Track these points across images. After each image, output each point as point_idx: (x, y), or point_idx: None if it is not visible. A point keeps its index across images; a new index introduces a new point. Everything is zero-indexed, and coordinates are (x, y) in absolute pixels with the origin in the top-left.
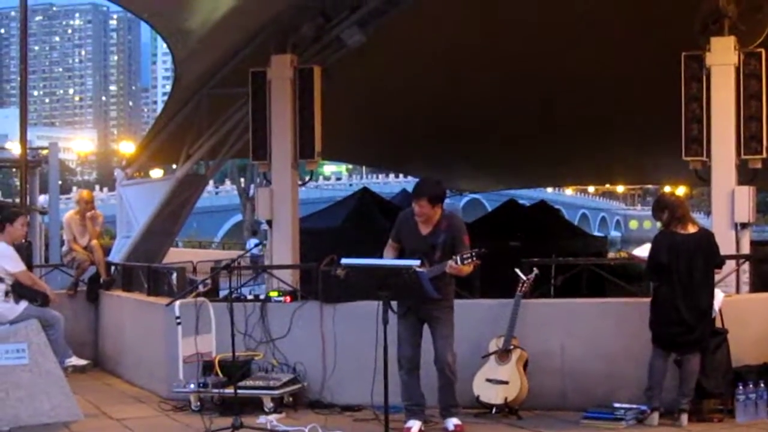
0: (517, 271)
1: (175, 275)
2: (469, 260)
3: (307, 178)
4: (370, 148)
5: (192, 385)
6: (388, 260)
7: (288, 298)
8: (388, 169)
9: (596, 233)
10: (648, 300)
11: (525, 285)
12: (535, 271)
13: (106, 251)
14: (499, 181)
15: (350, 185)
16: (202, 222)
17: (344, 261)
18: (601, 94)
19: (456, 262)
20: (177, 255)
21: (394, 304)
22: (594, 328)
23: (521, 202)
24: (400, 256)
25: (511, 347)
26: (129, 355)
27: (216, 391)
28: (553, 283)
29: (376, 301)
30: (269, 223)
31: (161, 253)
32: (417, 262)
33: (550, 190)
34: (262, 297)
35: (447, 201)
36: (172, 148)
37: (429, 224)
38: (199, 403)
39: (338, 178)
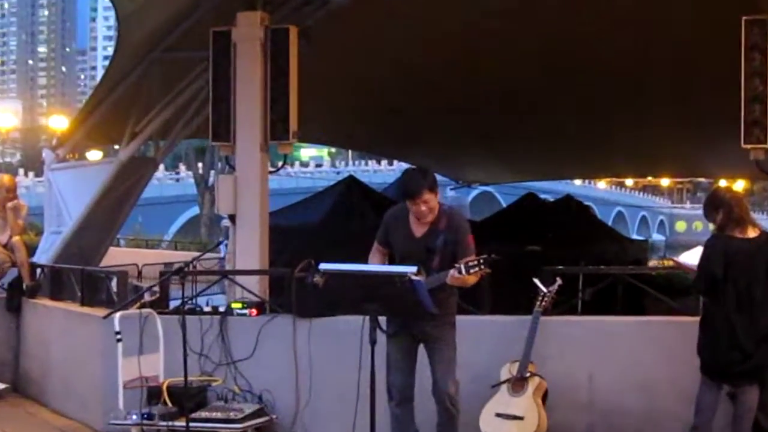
0: (536, 281)
1: (115, 281)
2: (477, 269)
3: (279, 164)
4: (359, 129)
5: (134, 417)
6: (377, 266)
7: (254, 311)
8: (380, 154)
9: (635, 236)
10: (697, 319)
11: (546, 299)
12: (559, 281)
13: (31, 250)
14: (517, 170)
15: (335, 173)
16: (150, 216)
17: (323, 266)
18: (644, 69)
19: (460, 271)
20: (119, 256)
21: (382, 320)
22: (630, 352)
23: (543, 196)
24: (389, 263)
25: (528, 375)
26: (57, 378)
27: (164, 424)
28: (581, 296)
29: (362, 317)
30: (232, 218)
31: (99, 254)
32: (413, 269)
33: (578, 182)
34: (222, 309)
35: (452, 195)
36: (115, 125)
37: (424, 223)
38: None
39: (318, 165)
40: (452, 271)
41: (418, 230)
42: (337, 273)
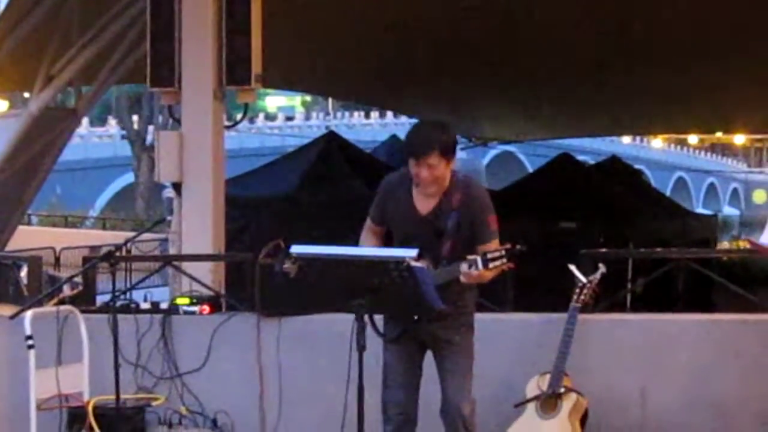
0: (573, 269)
1: (24, 270)
2: (498, 263)
3: (239, 117)
4: (341, 71)
5: None
6: (365, 250)
7: (205, 308)
8: (369, 103)
9: (700, 210)
10: None
11: (585, 292)
12: (602, 269)
13: None
14: (547, 124)
15: (311, 128)
16: (71, 185)
17: (295, 250)
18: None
19: (475, 266)
20: (30, 237)
21: (378, 319)
22: (693, 361)
23: (580, 158)
24: (385, 246)
25: (562, 390)
26: None
27: None
28: (631, 288)
29: (348, 315)
30: (176, 187)
31: (5, 234)
32: (413, 253)
33: (627, 140)
34: (164, 306)
35: (463, 157)
36: (22, 67)
37: (433, 197)
38: None
39: (289, 118)
40: (464, 266)
41: (424, 206)
42: (313, 258)
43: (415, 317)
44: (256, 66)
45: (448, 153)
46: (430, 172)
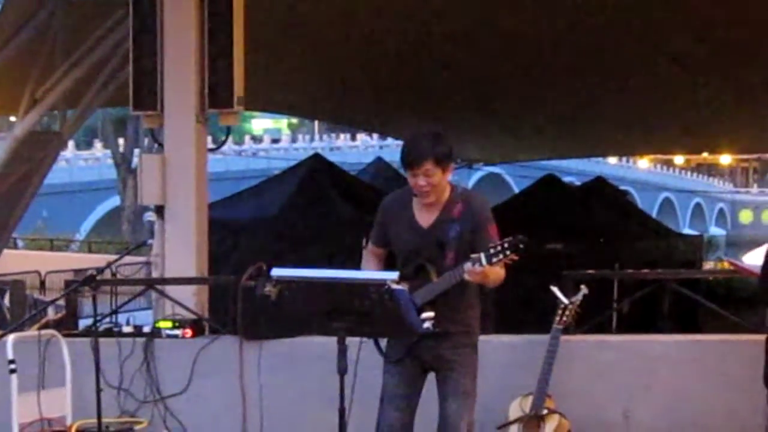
0: (555, 290)
1: (7, 294)
2: (501, 256)
3: (221, 140)
4: (327, 93)
5: None
6: (345, 273)
7: (188, 332)
8: (354, 125)
9: (686, 230)
10: (762, 338)
11: (567, 313)
12: (583, 290)
13: None
14: (532, 146)
15: (295, 150)
16: (57, 208)
17: (275, 272)
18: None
19: (480, 262)
20: (15, 261)
21: (383, 343)
22: (677, 382)
23: (566, 179)
24: (389, 268)
25: (545, 412)
26: None
27: None
28: (616, 309)
29: (331, 338)
30: (159, 210)
31: None
32: (393, 276)
33: (613, 160)
34: (146, 329)
35: (457, 186)
36: (8, 89)
37: (433, 209)
38: None
39: (275, 140)
40: (467, 264)
41: (425, 219)
42: (293, 281)
43: (416, 337)
44: (239, 89)
45: (443, 161)
46: (427, 180)
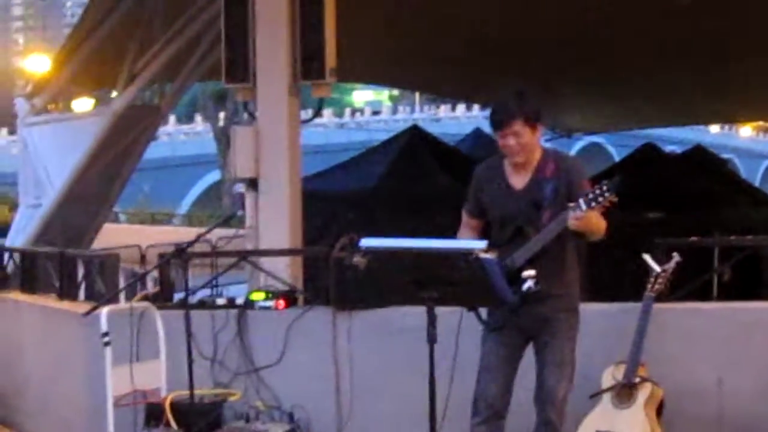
0: (647, 257)
1: (100, 266)
2: (601, 199)
3: (314, 112)
4: (426, 64)
5: None
6: (435, 241)
7: (281, 303)
8: (454, 96)
9: None
10: None
11: (659, 281)
12: (675, 257)
13: (3, 229)
14: (633, 114)
15: (395, 122)
16: (159, 182)
17: (364, 243)
18: None
19: (579, 208)
20: (117, 235)
21: (483, 312)
22: None
23: (667, 148)
24: (484, 238)
25: (637, 380)
26: (30, 393)
27: None
28: (717, 276)
29: (421, 307)
30: (252, 183)
31: (90, 232)
32: (482, 244)
33: (715, 128)
34: (239, 301)
35: (548, 147)
36: (107, 65)
37: (526, 171)
38: None
39: (376, 112)
40: (567, 212)
41: (519, 181)
42: (381, 251)
43: (519, 302)
44: (330, 60)
45: (532, 119)
46: (516, 140)
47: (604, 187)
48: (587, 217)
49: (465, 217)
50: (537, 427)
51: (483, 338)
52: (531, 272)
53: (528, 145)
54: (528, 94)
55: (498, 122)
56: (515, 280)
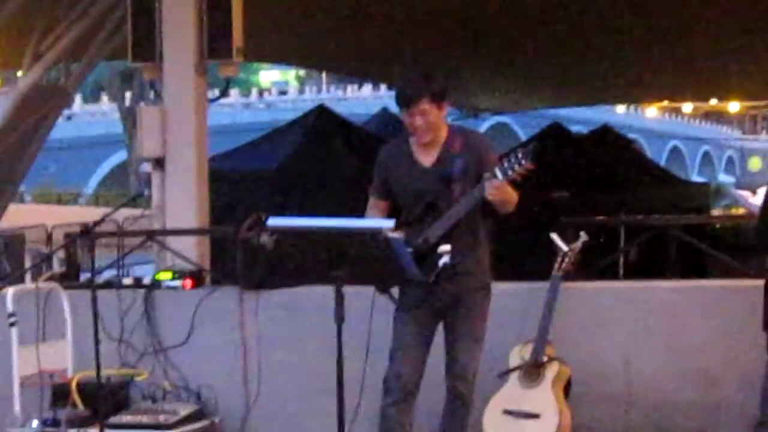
0: (554, 237)
1: (5, 246)
2: (517, 166)
3: (221, 91)
4: (332, 43)
5: (34, 423)
6: (343, 220)
7: (189, 282)
8: (361, 75)
9: (695, 178)
10: (762, 283)
11: (566, 260)
12: (583, 236)
13: None
14: (539, 94)
15: (302, 101)
16: (64, 163)
17: (272, 222)
18: None
19: (497, 177)
20: (23, 215)
21: (394, 292)
22: (679, 328)
23: (574, 129)
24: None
25: (545, 359)
26: None
27: (73, 431)
28: (624, 256)
29: (330, 287)
30: (159, 162)
31: None
32: (389, 223)
33: (620, 109)
34: (146, 281)
35: (453, 124)
36: (11, 44)
37: (433, 148)
38: None
39: (282, 92)
40: (485, 182)
41: (427, 159)
42: (289, 231)
43: (431, 279)
44: (238, 39)
45: (439, 98)
46: (423, 119)
47: (520, 155)
48: (504, 186)
49: (371, 199)
50: (448, 403)
51: (395, 318)
52: (446, 247)
53: (435, 124)
54: (434, 74)
55: (405, 101)
56: (429, 256)
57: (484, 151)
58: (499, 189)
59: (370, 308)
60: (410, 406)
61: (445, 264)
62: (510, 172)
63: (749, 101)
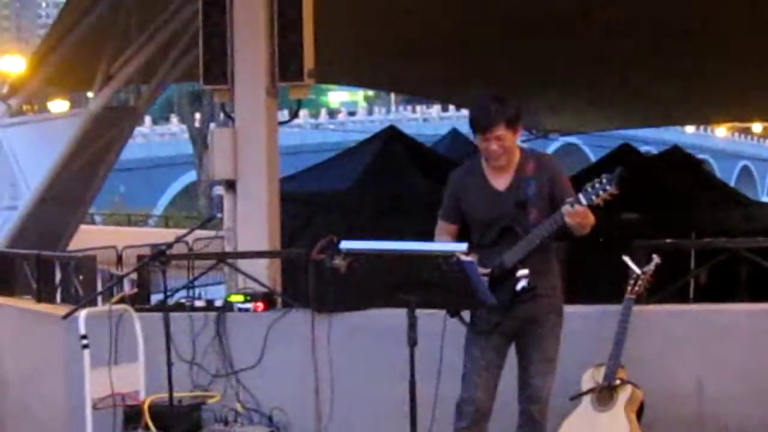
0: (627, 259)
1: (77, 268)
2: (602, 192)
3: (292, 112)
4: (401, 64)
5: None
6: (416, 244)
7: (260, 306)
8: (429, 96)
9: (765, 198)
10: None
11: (639, 283)
12: (656, 259)
13: None
14: (609, 114)
15: (371, 122)
16: (134, 184)
17: (345, 245)
18: None
19: (578, 202)
20: (93, 236)
21: (466, 315)
22: (751, 351)
23: (644, 149)
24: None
25: (617, 382)
26: (9, 396)
27: None
28: (688, 279)
29: (401, 309)
30: (230, 184)
31: (66, 234)
32: (462, 247)
33: (690, 129)
34: (218, 303)
35: (524, 146)
36: (83, 66)
37: (506, 172)
38: None
39: (352, 113)
40: (566, 207)
41: (501, 183)
42: (362, 254)
43: (508, 303)
44: (309, 61)
45: (513, 123)
46: (499, 144)
47: (605, 180)
48: (586, 211)
49: (441, 222)
50: (521, 426)
51: (467, 342)
52: (525, 271)
53: (510, 148)
54: (507, 98)
55: (481, 126)
56: (506, 280)
57: (557, 174)
58: (580, 215)
59: (442, 331)
60: (483, 430)
61: (523, 288)
62: (594, 198)
63: None
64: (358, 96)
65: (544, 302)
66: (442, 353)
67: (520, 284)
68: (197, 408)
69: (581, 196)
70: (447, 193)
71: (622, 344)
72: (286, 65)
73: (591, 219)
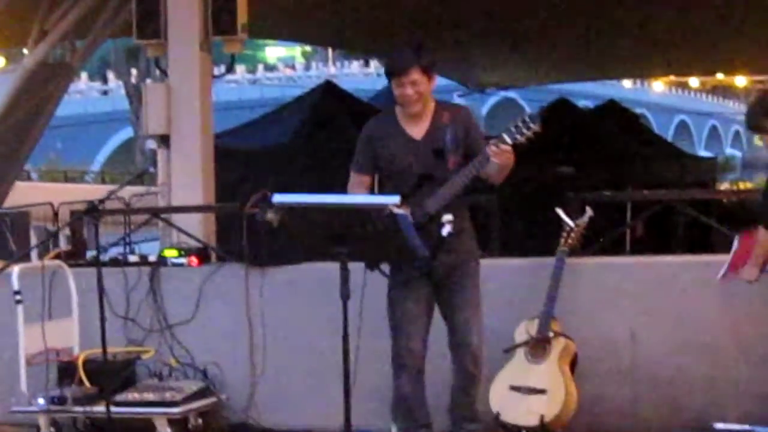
0: (559, 212)
1: (11, 224)
2: (527, 129)
3: (226, 67)
4: (337, 20)
5: (41, 401)
6: (348, 197)
7: (194, 260)
8: (366, 52)
9: (701, 152)
10: None
11: (572, 235)
12: (588, 212)
13: None
14: (546, 68)
15: (308, 77)
16: (71, 140)
17: (277, 199)
18: None
19: (504, 141)
20: (28, 193)
21: (385, 267)
22: (685, 304)
23: (581, 103)
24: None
25: (551, 335)
26: None
27: (79, 409)
28: (630, 232)
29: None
30: (164, 139)
31: (1, 191)
32: (395, 199)
33: (627, 84)
34: (152, 258)
35: (461, 102)
36: (17, 21)
37: (422, 120)
38: (53, 430)
39: (290, 67)
40: (491, 147)
41: (417, 131)
42: (294, 207)
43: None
44: (242, 15)
45: (428, 69)
46: (414, 89)
47: (527, 118)
48: (509, 151)
49: (355, 175)
50: (456, 379)
51: (391, 294)
52: (449, 216)
53: (424, 94)
54: (425, 45)
55: (396, 71)
56: (429, 227)
57: (471, 125)
58: (505, 153)
59: (362, 285)
60: (421, 381)
61: (450, 233)
62: (518, 137)
63: (756, 75)
64: (296, 51)
65: (464, 249)
66: (362, 306)
67: (446, 230)
68: (132, 363)
69: (505, 135)
70: (361, 145)
71: (555, 297)
72: (219, 20)
73: (512, 161)
